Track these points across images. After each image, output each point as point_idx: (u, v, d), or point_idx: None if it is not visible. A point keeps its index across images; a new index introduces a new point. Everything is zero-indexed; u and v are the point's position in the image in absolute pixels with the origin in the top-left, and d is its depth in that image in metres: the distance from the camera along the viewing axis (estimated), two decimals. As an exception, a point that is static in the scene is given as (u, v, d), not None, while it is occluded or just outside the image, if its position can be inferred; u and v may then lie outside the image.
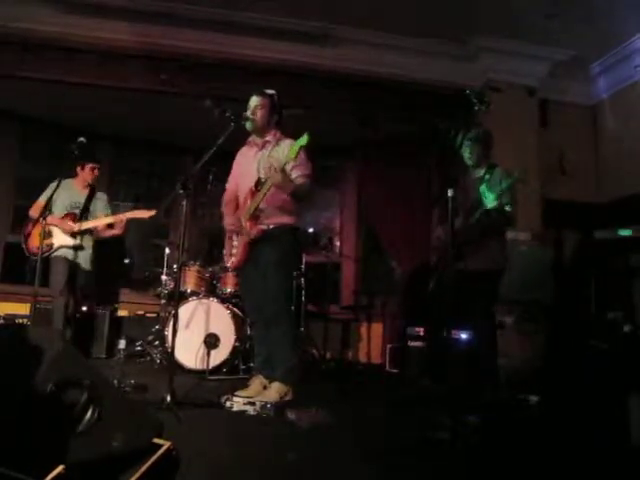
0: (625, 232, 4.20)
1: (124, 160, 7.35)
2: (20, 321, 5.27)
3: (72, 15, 5.09)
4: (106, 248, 4.93)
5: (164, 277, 5.23)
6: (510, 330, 4.75)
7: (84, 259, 4.54)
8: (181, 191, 3.11)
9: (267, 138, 3.52)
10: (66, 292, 4.36)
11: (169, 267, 5.31)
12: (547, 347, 4.74)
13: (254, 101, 3.51)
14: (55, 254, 4.42)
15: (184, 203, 3.14)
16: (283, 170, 3.24)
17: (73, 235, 4.47)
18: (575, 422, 3.15)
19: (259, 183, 3.37)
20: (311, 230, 6.08)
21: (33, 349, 1.50)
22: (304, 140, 3.06)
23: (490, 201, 3.49)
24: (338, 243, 7.42)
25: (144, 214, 4.38)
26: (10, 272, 6.26)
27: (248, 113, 3.47)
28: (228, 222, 3.66)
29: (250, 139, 3.63)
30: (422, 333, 5.27)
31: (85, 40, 5.17)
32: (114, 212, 4.72)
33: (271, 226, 3.40)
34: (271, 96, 3.55)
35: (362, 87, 5.63)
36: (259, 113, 3.48)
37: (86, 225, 4.50)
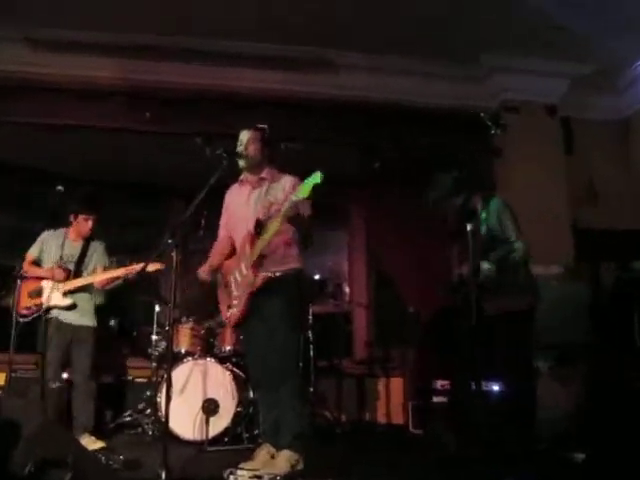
0: (669, 261, 4.19)
1: (110, 208, 7.43)
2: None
3: (47, 53, 5.22)
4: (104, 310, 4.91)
5: (154, 337, 5.20)
6: (546, 378, 4.69)
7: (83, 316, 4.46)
8: (170, 241, 3.15)
9: (262, 175, 3.58)
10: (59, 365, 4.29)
11: (160, 325, 5.28)
12: (589, 394, 4.66)
13: (245, 135, 3.59)
14: (48, 315, 4.34)
15: (174, 254, 3.17)
16: (294, 206, 3.24)
17: (66, 293, 4.40)
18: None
19: (259, 225, 3.39)
20: (317, 277, 6.10)
21: (9, 425, 1.47)
22: (317, 178, 3.09)
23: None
24: (347, 289, 7.42)
25: (153, 267, 4.30)
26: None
27: (240, 149, 3.54)
28: (223, 269, 3.67)
29: (242, 177, 3.68)
30: (448, 387, 5.21)
31: (62, 79, 5.27)
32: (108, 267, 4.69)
33: (277, 273, 3.42)
34: (262, 129, 3.62)
35: (365, 115, 5.71)
36: (251, 148, 3.55)
37: (82, 282, 4.43)
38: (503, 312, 3.39)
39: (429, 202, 4.24)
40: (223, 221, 3.78)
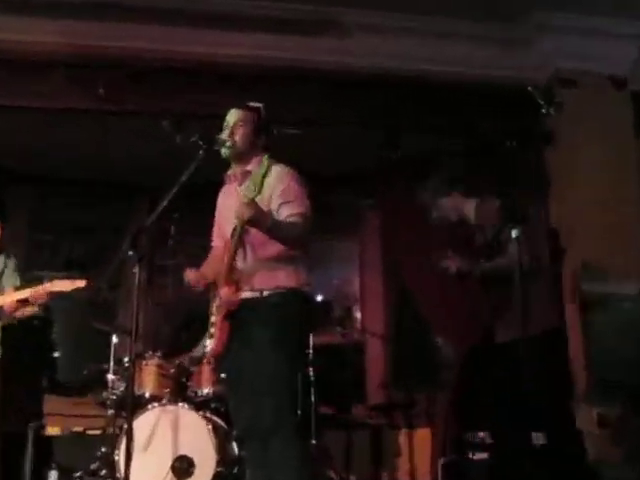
0: None
1: (49, 211, 7.40)
2: None
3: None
4: (21, 337, 4.92)
5: (111, 376, 5.19)
6: (613, 427, 4.67)
7: None
8: (131, 252, 3.15)
9: (249, 167, 3.61)
10: None
11: (118, 362, 5.27)
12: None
13: (233, 117, 3.63)
14: None
15: (136, 270, 3.19)
16: (252, 199, 3.32)
17: None
18: None
19: (234, 230, 3.44)
20: (320, 298, 6.11)
21: None
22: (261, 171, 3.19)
23: None
24: (359, 314, 7.46)
25: (68, 285, 4.38)
26: None
27: (224, 135, 3.56)
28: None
29: (229, 172, 3.74)
30: (488, 440, 5.19)
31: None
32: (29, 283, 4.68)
33: (264, 292, 3.45)
34: (256, 110, 3.67)
35: (380, 91, 5.71)
36: (240, 132, 3.59)
37: None
38: (527, 339, 3.49)
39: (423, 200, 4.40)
40: (216, 228, 3.86)
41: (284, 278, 3.48)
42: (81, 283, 4.33)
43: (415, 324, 6.90)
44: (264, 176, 3.36)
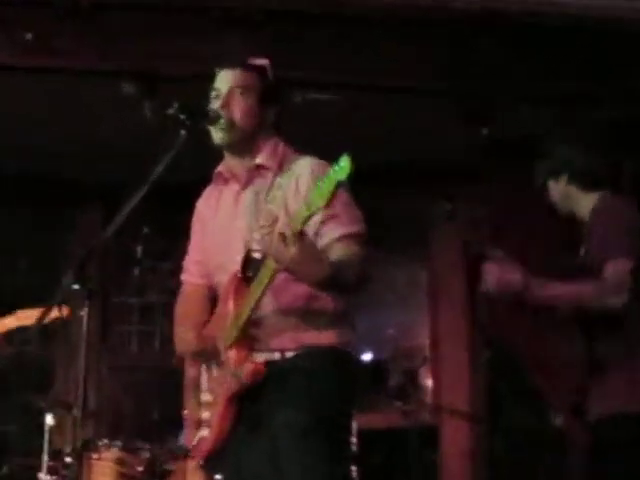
0: None
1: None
2: None
3: None
4: None
5: (43, 477, 5.20)
6: None
7: None
8: (75, 286, 3.18)
9: (259, 160, 3.61)
10: None
11: (55, 455, 5.27)
12: None
13: (226, 81, 3.61)
14: None
15: (84, 312, 3.19)
16: (301, 232, 3.24)
17: None
18: None
19: (249, 263, 3.44)
20: (368, 358, 6.05)
21: None
22: (343, 169, 3.05)
23: None
24: (429, 381, 7.54)
25: None
26: None
27: (215, 105, 3.54)
28: (191, 350, 3.66)
29: (221, 168, 3.73)
30: None
31: None
32: None
33: (286, 353, 3.45)
34: (261, 69, 3.67)
35: (465, 31, 5.77)
36: (239, 104, 3.56)
37: None
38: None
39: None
40: (193, 255, 3.86)
41: (316, 333, 3.47)
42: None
43: (520, 396, 6.97)
44: (289, 177, 3.43)
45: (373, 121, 6.14)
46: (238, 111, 3.54)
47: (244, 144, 3.59)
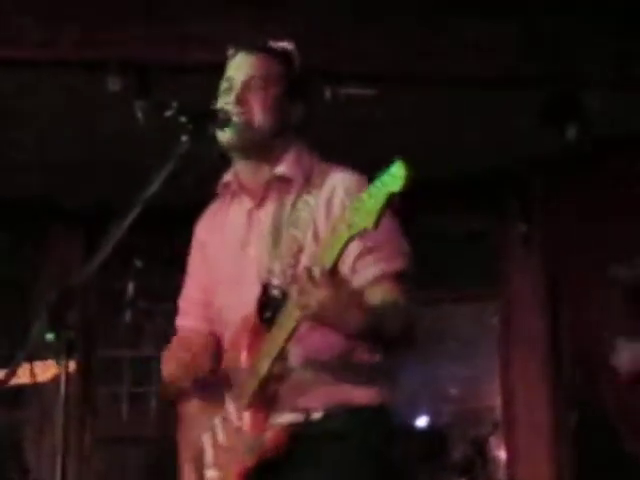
0: None
1: None
2: None
3: None
4: None
5: None
6: None
7: None
8: (49, 335, 3.11)
9: (281, 170, 3.55)
10: None
11: None
12: None
13: (244, 66, 3.59)
14: None
15: (61, 369, 3.13)
16: (334, 268, 3.15)
17: None
18: None
19: (267, 302, 3.37)
20: (423, 422, 6.00)
21: None
22: (397, 179, 2.94)
23: None
24: (502, 453, 7.45)
25: None
26: None
27: (227, 100, 3.50)
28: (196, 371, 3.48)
29: (228, 178, 3.67)
30: None
31: None
32: None
33: (316, 414, 3.38)
34: (286, 55, 3.63)
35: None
36: (259, 98, 3.53)
37: None
38: None
39: None
40: (191, 292, 3.81)
41: (350, 389, 3.41)
42: None
43: (616, 469, 6.84)
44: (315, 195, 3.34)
45: (420, 122, 6.12)
46: (257, 107, 3.53)
47: (261, 149, 3.55)
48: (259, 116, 3.52)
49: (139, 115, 3.36)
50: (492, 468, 7.28)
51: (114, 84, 3.51)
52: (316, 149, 3.62)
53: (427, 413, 6.38)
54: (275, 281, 3.39)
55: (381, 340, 3.33)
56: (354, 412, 3.40)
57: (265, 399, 3.39)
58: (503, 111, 6.15)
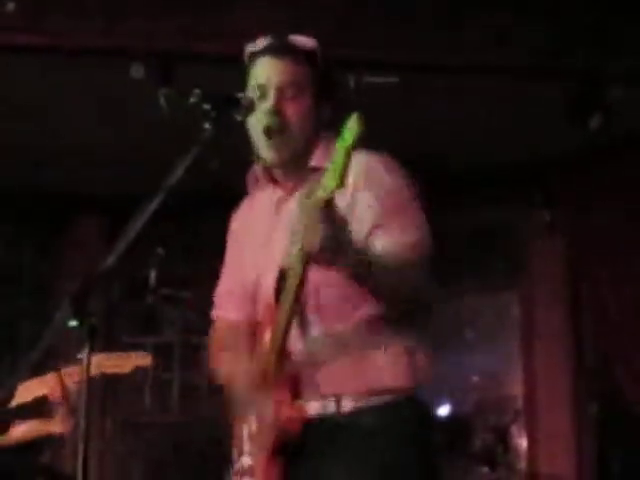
0: None
1: None
2: None
3: None
4: None
5: None
6: None
7: None
8: (72, 322, 3.11)
9: (314, 162, 3.64)
10: None
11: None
12: None
13: (278, 73, 3.59)
14: None
15: (83, 355, 3.20)
16: (328, 201, 3.17)
17: None
18: None
19: (283, 278, 3.42)
20: (445, 411, 6.00)
21: None
22: (350, 132, 3.06)
23: None
24: (523, 442, 7.52)
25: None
26: None
27: (268, 104, 3.53)
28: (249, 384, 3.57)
29: (258, 171, 3.75)
30: None
31: None
32: None
33: (343, 403, 3.42)
34: (312, 54, 3.65)
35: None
36: (295, 112, 3.59)
37: None
38: None
39: None
40: (224, 283, 3.91)
41: (382, 372, 3.44)
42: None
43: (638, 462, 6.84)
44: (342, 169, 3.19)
45: (445, 111, 6.15)
46: (294, 118, 3.60)
47: (299, 157, 3.64)
48: (296, 127, 3.60)
49: (162, 103, 3.37)
50: (513, 456, 7.29)
51: (137, 72, 3.52)
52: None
53: (449, 402, 6.38)
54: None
55: (385, 291, 3.39)
56: (390, 398, 3.46)
57: (289, 380, 3.47)
58: (529, 102, 6.14)
